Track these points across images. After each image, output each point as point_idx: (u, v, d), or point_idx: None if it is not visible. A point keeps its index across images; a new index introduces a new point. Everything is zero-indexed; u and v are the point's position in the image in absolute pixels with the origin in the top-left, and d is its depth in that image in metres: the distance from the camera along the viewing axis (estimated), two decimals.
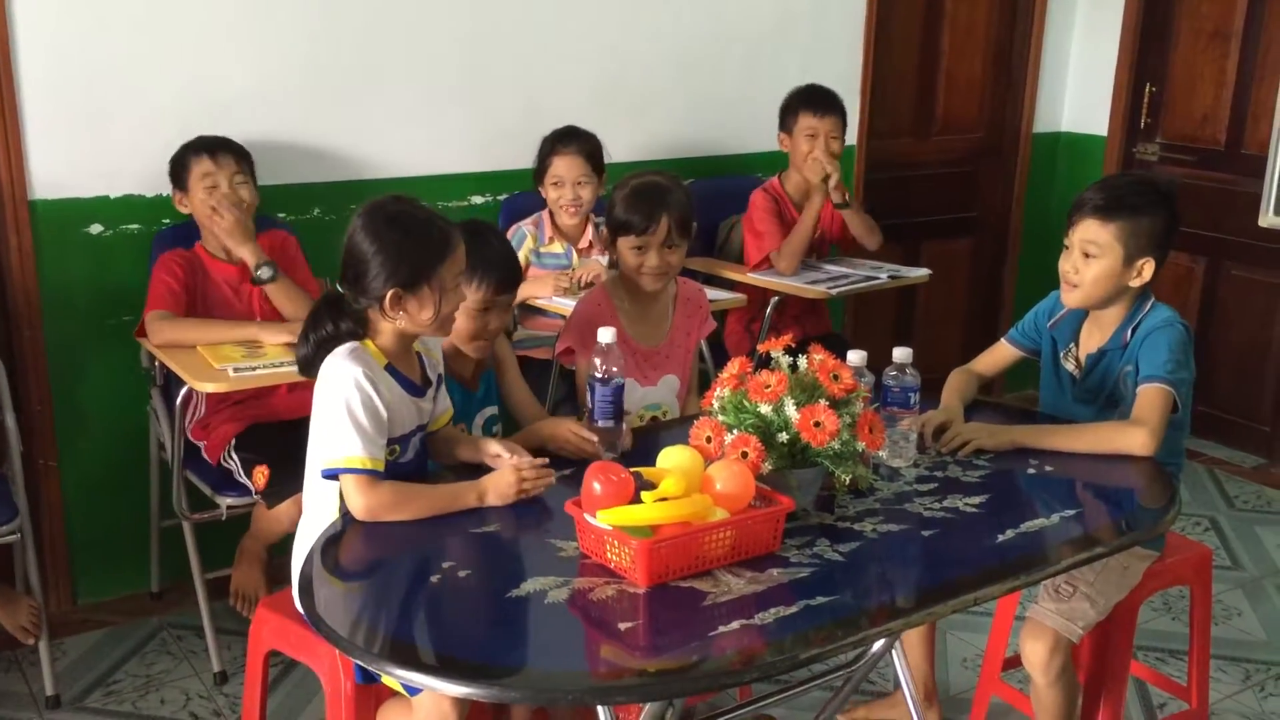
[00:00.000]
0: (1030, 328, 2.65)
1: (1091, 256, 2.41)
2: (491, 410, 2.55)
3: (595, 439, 2.25)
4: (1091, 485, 2.30)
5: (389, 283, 2.03)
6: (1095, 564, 2.33)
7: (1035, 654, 2.38)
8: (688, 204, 2.66)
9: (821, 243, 3.88)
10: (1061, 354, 2.58)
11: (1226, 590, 3.54)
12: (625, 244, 2.60)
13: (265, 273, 2.94)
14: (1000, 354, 2.69)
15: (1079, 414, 2.52)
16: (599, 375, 2.23)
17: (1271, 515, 4.11)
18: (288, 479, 2.74)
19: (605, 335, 2.25)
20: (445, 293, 2.07)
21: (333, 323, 2.10)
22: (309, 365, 2.12)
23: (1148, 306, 2.47)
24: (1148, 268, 2.41)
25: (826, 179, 3.68)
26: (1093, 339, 2.52)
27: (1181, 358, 2.38)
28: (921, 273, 3.79)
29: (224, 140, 3.04)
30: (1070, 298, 2.48)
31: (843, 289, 3.58)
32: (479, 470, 2.14)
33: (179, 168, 3.01)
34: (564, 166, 3.43)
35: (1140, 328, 2.44)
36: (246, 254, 2.96)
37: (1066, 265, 2.46)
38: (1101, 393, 2.49)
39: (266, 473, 2.80)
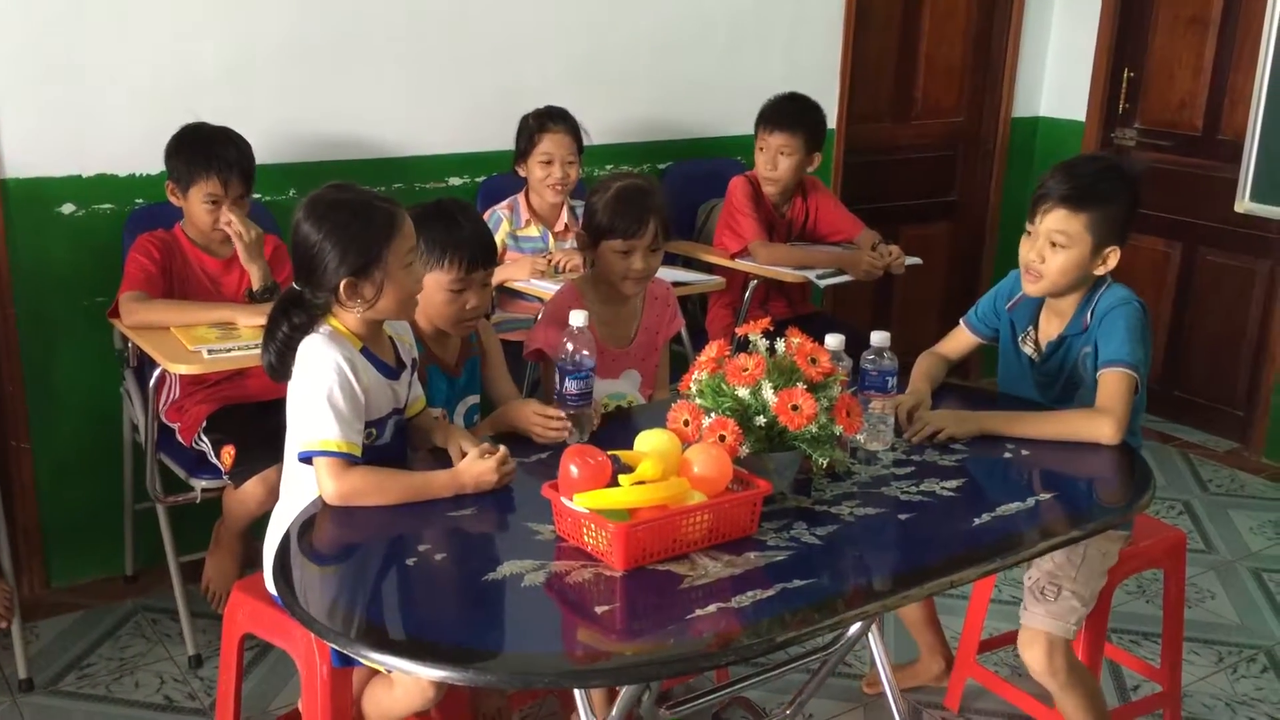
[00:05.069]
0: (988, 312, 2.62)
1: (1059, 246, 2.36)
2: (473, 399, 2.54)
3: (563, 417, 2.24)
4: (1067, 469, 2.31)
5: (340, 271, 2.01)
6: (1074, 558, 2.34)
7: (1036, 661, 2.36)
8: (668, 207, 2.66)
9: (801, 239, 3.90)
10: (1020, 338, 2.56)
11: (1200, 573, 3.56)
12: (611, 248, 2.57)
13: (268, 295, 2.89)
14: (960, 339, 2.67)
15: (1038, 397, 2.52)
16: (568, 359, 2.22)
17: (1244, 499, 4.14)
18: (254, 458, 2.73)
19: (577, 319, 2.25)
20: (395, 272, 2.05)
21: (291, 323, 2.06)
22: (278, 370, 2.08)
23: (1104, 287, 2.44)
24: (1113, 256, 2.39)
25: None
26: (1052, 324, 2.50)
27: (1139, 336, 2.37)
28: (911, 260, 3.79)
29: (236, 155, 2.92)
30: (1034, 287, 2.43)
31: (827, 280, 3.59)
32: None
33: (181, 170, 2.91)
34: (553, 144, 3.42)
35: (1097, 309, 2.42)
36: (255, 272, 2.92)
37: (1030, 254, 2.40)
38: (1061, 376, 2.48)
39: (233, 452, 2.78)
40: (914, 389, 2.47)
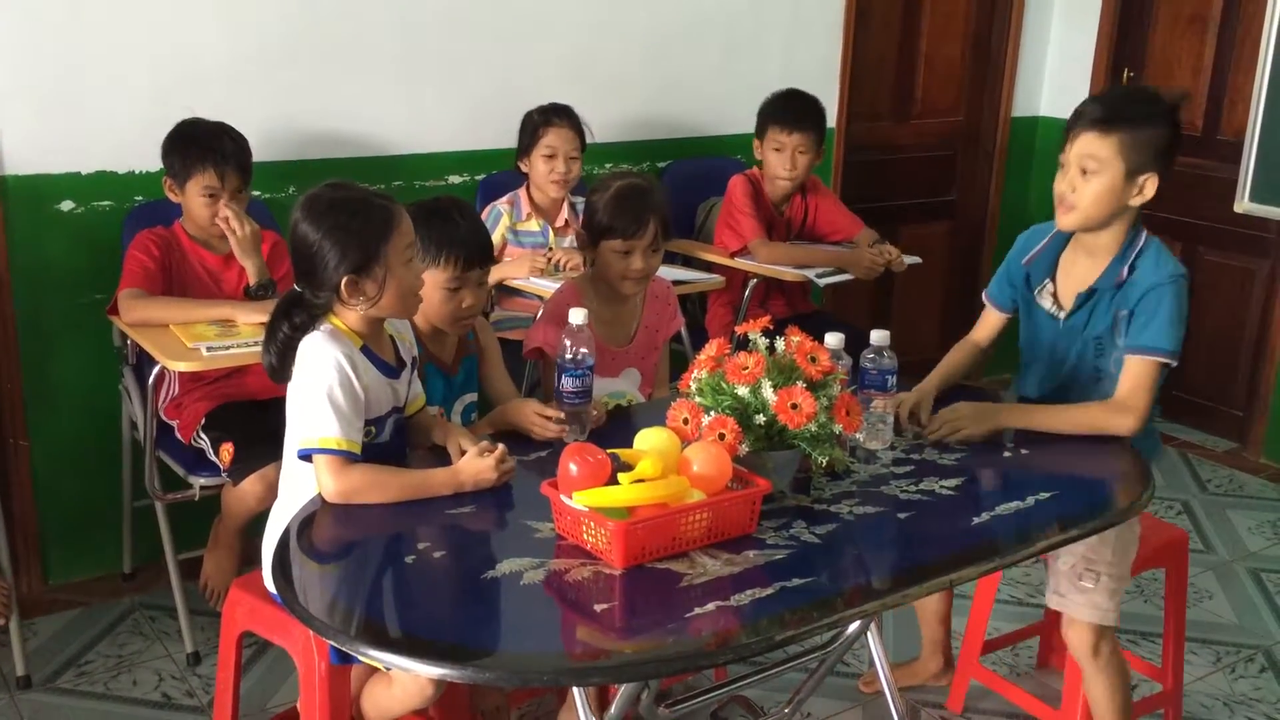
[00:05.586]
0: (1004, 281, 2.53)
1: (1090, 173, 2.26)
2: (471, 398, 2.54)
3: (561, 417, 2.24)
4: (1065, 468, 2.30)
5: (340, 269, 2.01)
6: (1106, 538, 2.30)
7: (1081, 643, 2.36)
8: (668, 207, 2.66)
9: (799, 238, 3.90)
10: (1037, 291, 2.46)
11: (1198, 573, 3.56)
12: (610, 247, 2.56)
13: (263, 292, 2.89)
14: (988, 320, 2.59)
15: (1059, 354, 2.43)
16: (568, 357, 2.22)
17: (1243, 499, 4.14)
18: (253, 456, 2.73)
19: (576, 316, 2.25)
20: (395, 269, 2.04)
21: (292, 323, 2.06)
22: (279, 371, 2.08)
23: (1141, 240, 2.34)
24: (1150, 184, 2.26)
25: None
26: (1079, 272, 2.38)
27: (1181, 318, 2.28)
28: (910, 259, 3.79)
29: (233, 148, 2.92)
30: (1067, 219, 2.32)
31: (827, 278, 3.59)
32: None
33: (178, 164, 2.91)
34: (557, 138, 3.42)
35: (1138, 269, 2.31)
36: (251, 267, 2.92)
37: (1062, 185, 2.30)
38: (1085, 333, 2.38)
39: (232, 449, 2.78)
40: (919, 387, 2.44)
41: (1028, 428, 2.32)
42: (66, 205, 3.09)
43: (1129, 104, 2.30)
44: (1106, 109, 2.28)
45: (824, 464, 2.03)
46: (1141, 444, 2.34)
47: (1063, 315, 2.42)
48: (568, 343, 2.23)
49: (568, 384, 2.23)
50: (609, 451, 1.86)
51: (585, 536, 1.81)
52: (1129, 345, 2.32)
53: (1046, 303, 2.45)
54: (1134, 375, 2.30)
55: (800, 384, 1.95)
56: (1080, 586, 2.33)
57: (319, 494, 2.01)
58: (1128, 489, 2.18)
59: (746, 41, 4.14)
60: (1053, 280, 2.44)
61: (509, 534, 1.96)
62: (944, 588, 1.86)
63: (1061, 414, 2.34)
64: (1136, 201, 2.30)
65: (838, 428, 1.98)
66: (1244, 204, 4.08)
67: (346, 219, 2.02)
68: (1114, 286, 2.35)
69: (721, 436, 1.91)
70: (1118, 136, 2.25)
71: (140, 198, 3.15)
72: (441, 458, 2.12)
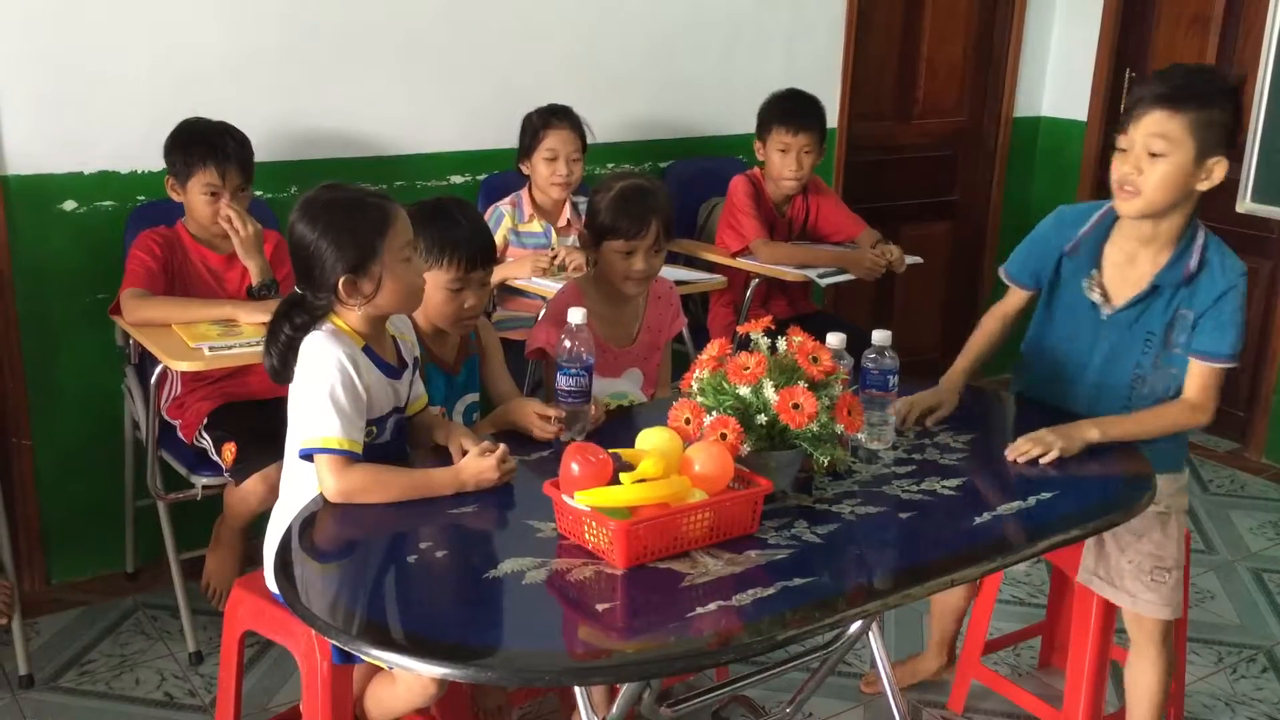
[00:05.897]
0: (1029, 259, 2.41)
1: (1158, 155, 2.14)
2: (473, 398, 2.54)
3: (561, 417, 2.24)
4: (1067, 468, 2.29)
5: (338, 268, 2.01)
6: (1170, 533, 2.35)
7: (1154, 637, 2.40)
8: (671, 207, 2.66)
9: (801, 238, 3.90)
10: (1085, 283, 2.34)
11: (1200, 574, 3.56)
12: (612, 248, 2.57)
13: (266, 291, 2.90)
14: (1015, 295, 2.50)
15: (1084, 347, 2.37)
16: (567, 357, 2.22)
17: (1245, 499, 4.14)
18: (256, 455, 2.74)
19: (575, 316, 2.25)
20: (392, 266, 2.05)
21: (293, 324, 2.06)
22: (281, 373, 2.08)
23: (1201, 234, 2.26)
24: (1219, 169, 2.16)
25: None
26: (1134, 263, 2.28)
27: (1244, 318, 2.26)
28: (911, 259, 3.79)
29: (235, 147, 2.93)
30: (1130, 205, 2.20)
31: (829, 278, 3.59)
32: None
33: (180, 163, 2.92)
34: (558, 140, 3.42)
35: (1207, 267, 2.24)
36: (254, 267, 2.92)
37: (1125, 167, 2.18)
38: (1136, 328, 2.30)
39: (234, 449, 2.78)
40: (937, 389, 2.41)
41: (1111, 439, 2.26)
42: (69, 205, 3.10)
43: (1197, 81, 2.17)
44: (1174, 86, 2.15)
45: (825, 464, 2.03)
46: (1168, 449, 2.37)
47: (1109, 309, 2.34)
48: (566, 342, 2.24)
49: (566, 383, 2.23)
50: (611, 451, 1.86)
51: (587, 536, 1.82)
52: (1202, 351, 2.28)
53: (1095, 295, 2.35)
54: (1204, 377, 2.29)
55: (802, 384, 1.95)
56: (1150, 585, 2.34)
57: (320, 494, 2.01)
58: (1128, 489, 2.19)
59: (748, 41, 4.14)
60: (1098, 269, 2.35)
61: (511, 534, 1.97)
62: (945, 587, 1.86)
63: (1140, 421, 2.31)
64: (1203, 187, 2.20)
65: (839, 428, 1.98)
66: (1246, 204, 4.07)
67: (342, 219, 2.03)
68: (1177, 284, 2.27)
69: (723, 436, 1.91)
70: (1189, 114, 2.13)
71: (143, 197, 3.15)
72: (443, 457, 2.12)
